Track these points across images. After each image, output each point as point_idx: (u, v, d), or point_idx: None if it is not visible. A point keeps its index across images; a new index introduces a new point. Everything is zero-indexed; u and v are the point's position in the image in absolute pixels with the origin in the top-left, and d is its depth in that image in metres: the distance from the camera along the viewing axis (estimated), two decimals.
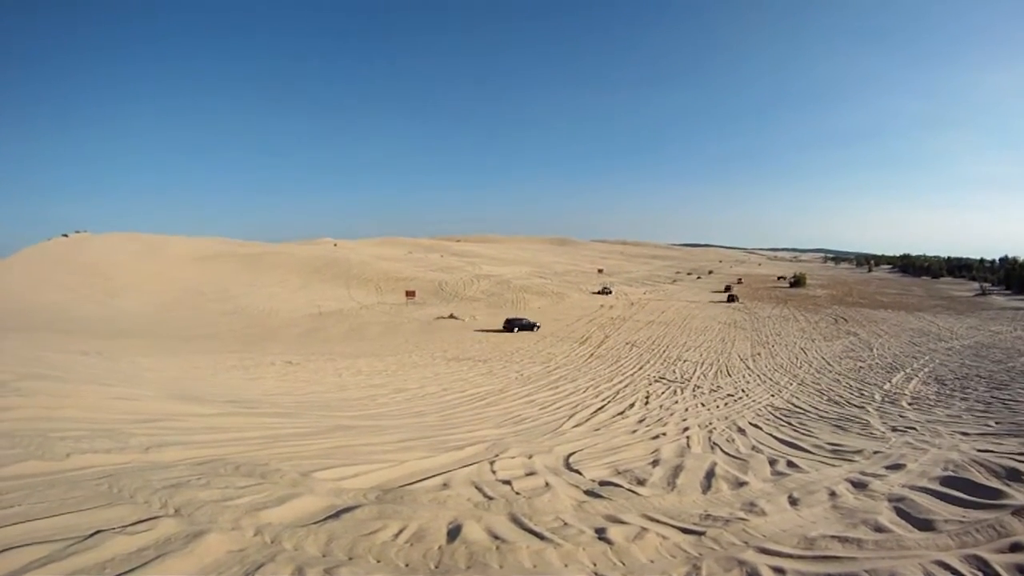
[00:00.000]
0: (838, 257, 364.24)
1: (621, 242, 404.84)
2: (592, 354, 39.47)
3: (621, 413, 19.23)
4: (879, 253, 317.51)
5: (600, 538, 5.95)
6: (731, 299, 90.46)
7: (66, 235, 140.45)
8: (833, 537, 6.21)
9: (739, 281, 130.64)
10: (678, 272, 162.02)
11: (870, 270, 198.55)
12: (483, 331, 54.02)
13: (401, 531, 5.61)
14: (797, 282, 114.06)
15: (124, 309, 74.14)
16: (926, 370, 30.87)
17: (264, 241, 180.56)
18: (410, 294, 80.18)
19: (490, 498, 7.18)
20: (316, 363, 30.77)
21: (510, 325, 53.36)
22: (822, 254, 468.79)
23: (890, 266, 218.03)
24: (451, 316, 65.42)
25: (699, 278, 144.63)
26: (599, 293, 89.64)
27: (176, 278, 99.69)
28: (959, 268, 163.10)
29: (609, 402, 21.61)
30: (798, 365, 34.47)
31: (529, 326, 53.80)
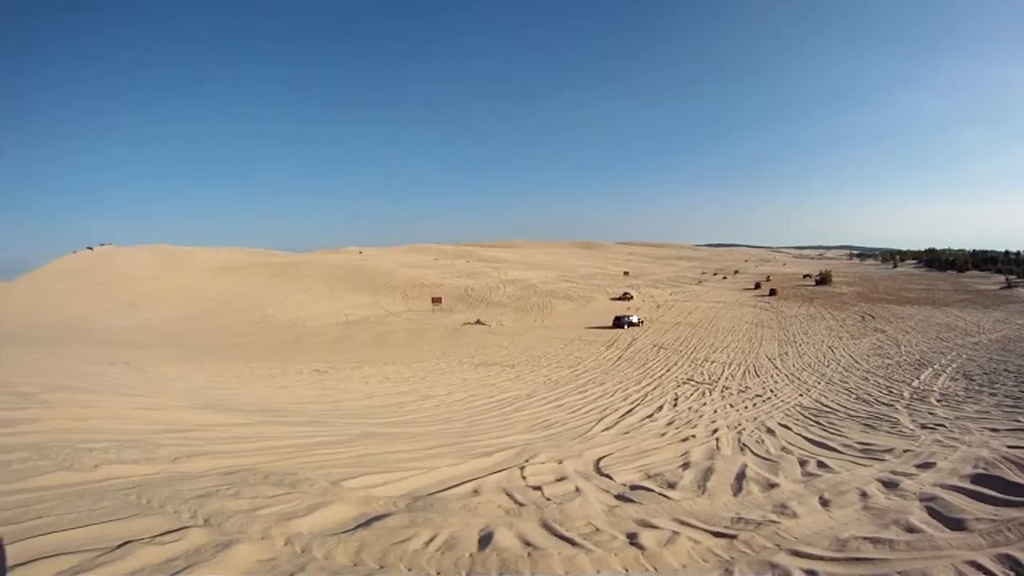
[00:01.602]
0: (863, 253, 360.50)
1: (646, 244, 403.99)
2: (619, 357, 39.31)
3: (650, 416, 19.06)
4: (904, 248, 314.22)
5: (632, 543, 5.85)
6: (772, 292, 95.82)
7: (91, 248, 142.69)
8: (865, 538, 6.12)
9: (768, 279, 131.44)
10: (704, 272, 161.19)
11: (895, 266, 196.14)
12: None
13: (432, 539, 5.54)
14: (823, 280, 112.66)
15: (150, 320, 75.14)
16: (954, 366, 30.38)
17: (290, 251, 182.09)
18: (436, 300, 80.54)
19: (521, 504, 7.11)
20: (343, 371, 30.91)
21: (619, 322, 58.25)
22: (847, 251, 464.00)
23: (916, 261, 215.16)
24: (478, 322, 65.52)
25: (725, 278, 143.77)
26: (619, 299, 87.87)
27: (202, 289, 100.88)
28: (985, 261, 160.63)
29: (638, 405, 21.45)
30: (826, 363, 34.06)
31: (636, 323, 58.85)
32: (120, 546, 4.56)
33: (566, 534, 5.99)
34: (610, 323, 59.16)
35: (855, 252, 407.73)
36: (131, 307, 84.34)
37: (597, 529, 6.27)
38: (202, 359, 36.65)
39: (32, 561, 4.14)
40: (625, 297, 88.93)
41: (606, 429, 16.36)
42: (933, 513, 7.00)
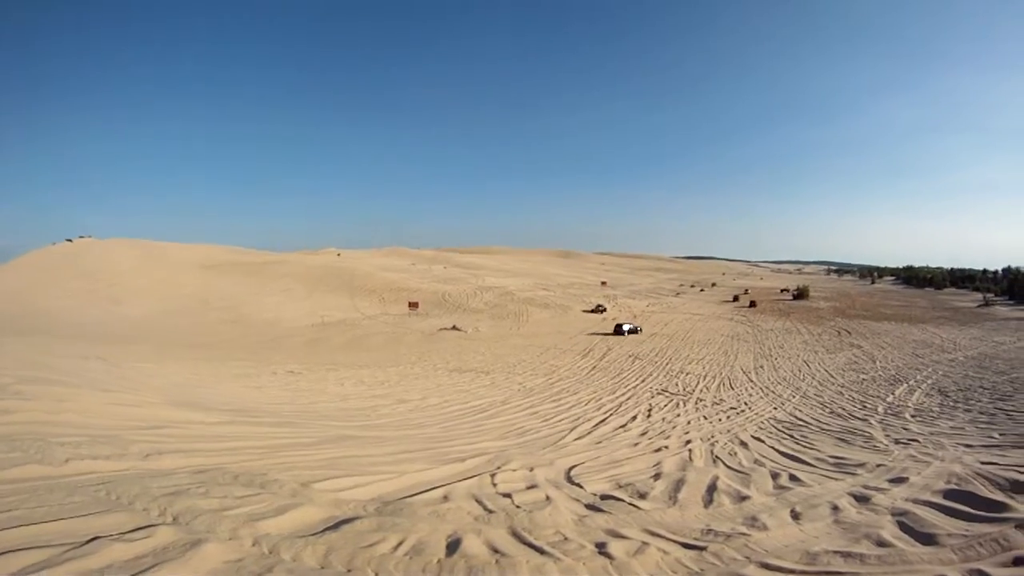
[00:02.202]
0: (841, 269, 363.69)
1: (625, 255, 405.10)
2: (595, 366, 39.41)
3: (623, 426, 19.14)
4: (882, 264, 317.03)
5: (601, 553, 5.91)
6: (752, 304, 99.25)
7: (70, 240, 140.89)
8: (836, 552, 6.17)
9: (746, 292, 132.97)
10: (681, 284, 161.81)
11: (873, 282, 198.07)
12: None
13: (400, 544, 5.58)
14: (800, 294, 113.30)
15: (127, 315, 74.32)
16: (929, 382, 30.64)
17: (269, 250, 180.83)
18: (413, 305, 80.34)
19: (490, 511, 7.15)
20: (318, 373, 30.77)
21: (619, 329, 60.64)
22: (825, 266, 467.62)
23: (893, 277, 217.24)
24: (454, 327, 65.44)
25: (702, 290, 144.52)
26: (593, 311, 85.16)
27: (180, 285, 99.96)
28: (962, 279, 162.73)
29: (611, 415, 21.53)
30: (801, 377, 34.30)
31: (634, 330, 61.40)
32: (88, 542, 4.57)
33: (534, 542, 6.04)
34: (589, 331, 59.62)
35: (833, 268, 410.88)
36: (110, 301, 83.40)
37: (566, 538, 6.32)
38: (179, 356, 36.35)
39: (2, 554, 4.17)
40: (598, 310, 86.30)
41: (579, 438, 16.41)
42: (905, 528, 7.08)
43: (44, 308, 73.64)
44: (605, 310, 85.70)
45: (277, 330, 64.91)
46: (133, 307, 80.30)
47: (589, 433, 17.43)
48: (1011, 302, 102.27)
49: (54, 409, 9.53)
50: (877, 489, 9.34)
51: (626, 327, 61.45)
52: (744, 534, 6.82)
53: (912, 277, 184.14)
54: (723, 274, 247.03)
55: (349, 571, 4.88)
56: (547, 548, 5.89)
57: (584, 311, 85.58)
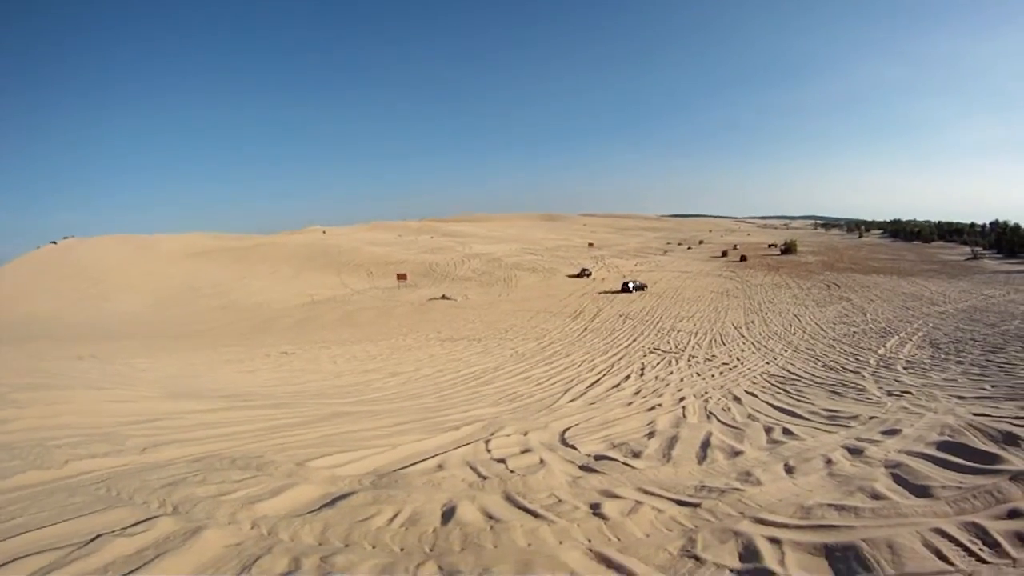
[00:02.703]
0: (828, 223, 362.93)
1: (611, 215, 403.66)
2: (586, 328, 39.69)
3: (616, 386, 19.35)
4: (869, 219, 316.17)
5: (595, 513, 5.98)
6: (743, 259, 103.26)
7: (55, 242, 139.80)
8: (830, 505, 6.19)
9: (735, 247, 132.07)
10: (668, 243, 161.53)
11: (861, 236, 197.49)
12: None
13: (396, 515, 5.68)
14: (788, 249, 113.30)
15: (117, 311, 73.93)
16: (920, 334, 30.86)
17: (252, 233, 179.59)
18: (401, 277, 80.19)
19: (484, 478, 7.25)
20: (311, 352, 30.85)
21: (626, 287, 64.34)
22: (812, 221, 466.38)
23: (881, 231, 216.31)
24: (443, 297, 65.51)
25: (690, 248, 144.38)
26: (577, 276, 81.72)
27: (167, 276, 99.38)
28: (950, 233, 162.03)
29: (604, 375, 21.78)
30: (792, 332, 34.66)
31: (640, 287, 65.24)
32: (91, 540, 4.66)
33: (529, 506, 6.14)
34: (579, 293, 60.25)
35: (820, 222, 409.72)
36: (99, 299, 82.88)
37: (560, 500, 6.41)
38: (171, 347, 36.29)
39: (6, 563, 4.24)
40: (583, 274, 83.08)
41: (572, 400, 16.59)
42: (899, 480, 7.09)
43: (34, 313, 73.17)
44: (590, 274, 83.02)
45: (267, 312, 64.74)
46: (122, 302, 79.86)
47: (582, 395, 17.63)
48: (999, 255, 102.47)
49: (50, 413, 9.57)
50: (871, 441, 9.37)
51: (631, 284, 64.55)
52: (738, 489, 6.83)
53: (900, 231, 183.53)
54: (710, 231, 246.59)
55: (347, 545, 4.97)
56: (541, 511, 5.98)
57: (569, 276, 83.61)
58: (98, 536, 4.75)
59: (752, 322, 39.74)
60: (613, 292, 62.73)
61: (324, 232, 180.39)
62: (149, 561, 4.41)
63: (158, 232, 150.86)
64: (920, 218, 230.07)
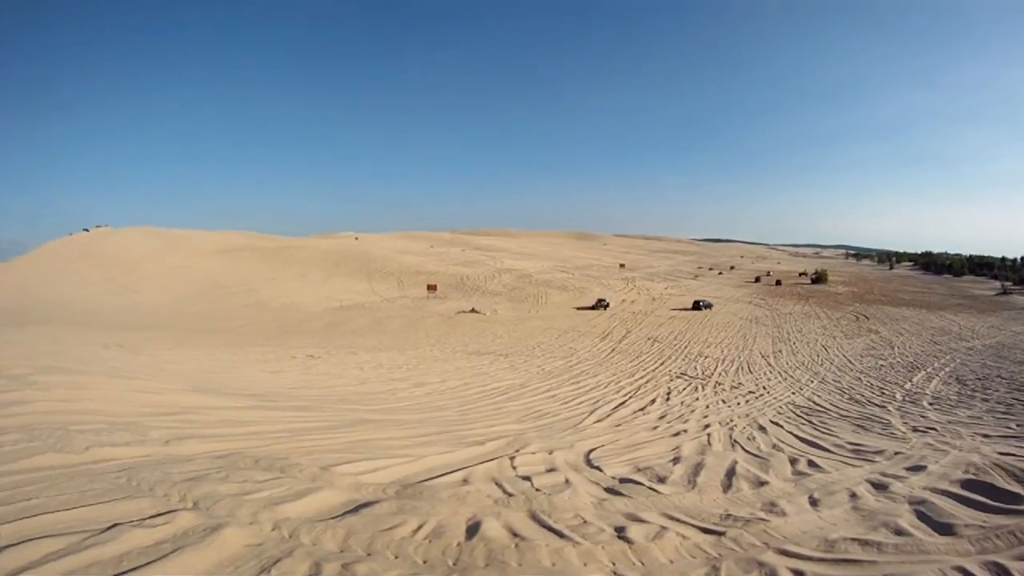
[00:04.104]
0: (860, 253, 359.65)
1: (643, 236, 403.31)
2: (614, 349, 39.41)
3: (642, 409, 19.11)
4: (901, 250, 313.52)
5: (620, 537, 5.87)
6: (778, 283, 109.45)
7: (87, 230, 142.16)
8: (853, 540, 6.13)
9: (768, 274, 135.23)
10: (700, 267, 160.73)
11: (891, 267, 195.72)
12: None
13: (420, 527, 5.56)
14: (819, 278, 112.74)
15: (145, 302, 74.89)
16: (947, 370, 30.50)
17: (285, 235, 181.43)
18: (432, 288, 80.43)
19: (510, 494, 7.12)
20: (337, 356, 30.87)
21: (697, 305, 68.29)
22: (844, 250, 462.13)
23: (912, 263, 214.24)
24: (473, 310, 65.49)
25: (720, 273, 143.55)
26: (592, 308, 68.84)
27: (197, 271, 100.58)
28: (980, 266, 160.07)
29: (630, 398, 21.52)
30: (819, 363, 34.22)
31: (709, 304, 68.97)
32: (108, 528, 4.58)
33: (554, 526, 6.00)
34: (608, 313, 60.94)
35: (851, 252, 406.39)
36: (127, 289, 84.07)
37: (585, 521, 6.28)
38: (197, 342, 36.57)
39: (21, 543, 4.16)
40: (599, 305, 69.20)
41: (598, 421, 16.38)
42: (922, 517, 7.01)
43: (62, 298, 74.31)
44: (608, 305, 69.61)
45: (295, 315, 65.20)
46: (151, 294, 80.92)
47: (608, 416, 17.41)
48: None
49: (72, 397, 9.55)
50: (895, 477, 9.29)
51: (701, 303, 68.68)
52: (763, 519, 6.77)
53: (930, 263, 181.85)
54: (741, 257, 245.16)
55: (369, 554, 4.85)
56: (566, 532, 5.85)
57: (579, 308, 70.73)
58: (116, 525, 4.68)
59: (780, 351, 39.27)
60: (644, 313, 62.38)
61: (357, 238, 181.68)
62: (166, 555, 4.33)
63: (191, 227, 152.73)
64: (951, 250, 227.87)
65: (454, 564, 4.85)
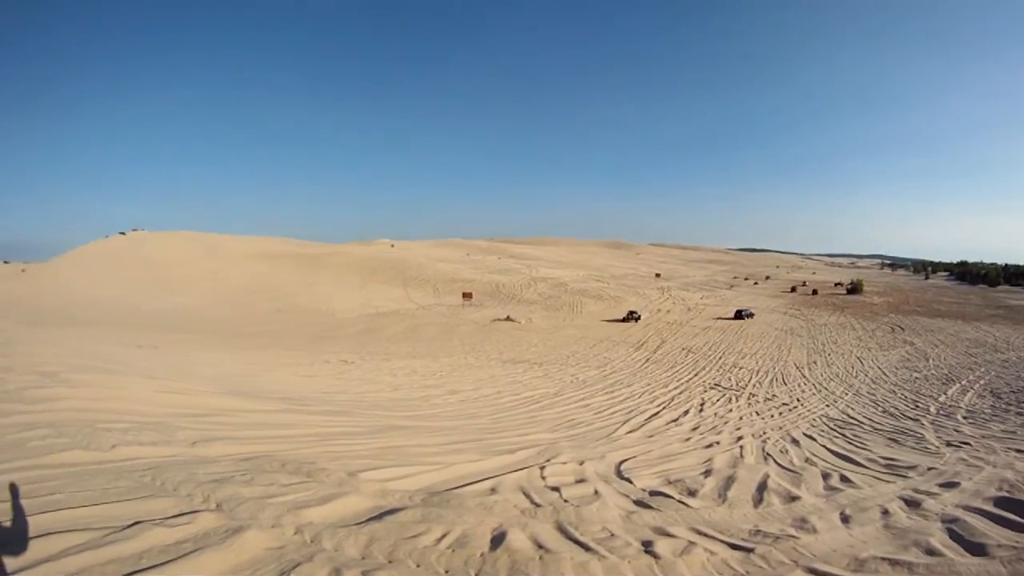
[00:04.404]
0: (895, 263, 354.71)
1: (678, 246, 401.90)
2: (648, 359, 39.17)
3: (675, 420, 18.89)
4: (936, 259, 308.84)
5: (647, 551, 5.70)
6: (815, 292, 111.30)
7: (123, 233, 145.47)
8: (884, 559, 5.94)
9: (804, 284, 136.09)
10: (735, 277, 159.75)
11: (927, 277, 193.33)
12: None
13: (444, 536, 5.46)
14: (854, 289, 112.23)
15: (180, 305, 76.23)
16: (982, 382, 29.94)
17: (321, 242, 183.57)
18: (467, 296, 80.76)
19: (537, 505, 6.98)
20: (371, 362, 31.05)
21: (739, 314, 69.42)
22: (879, 260, 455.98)
23: (947, 273, 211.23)
24: (508, 318, 65.54)
25: (756, 284, 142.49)
26: (624, 320, 67.18)
27: (234, 276, 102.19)
28: (1016, 276, 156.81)
29: (664, 408, 21.31)
30: (854, 375, 33.69)
31: (751, 314, 69.86)
32: (130, 526, 4.56)
33: (580, 538, 5.86)
34: (643, 323, 61.34)
35: (887, 262, 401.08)
36: (163, 292, 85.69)
37: (612, 535, 6.12)
38: (231, 345, 37.07)
39: (42, 536, 4.17)
40: (631, 317, 67.31)
41: (631, 431, 16.21)
42: (954, 536, 6.80)
43: (98, 299, 75.96)
44: (639, 318, 67.81)
45: (330, 320, 65.80)
46: (187, 297, 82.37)
47: (641, 427, 17.24)
48: None
49: (102, 396, 9.67)
50: (928, 493, 9.06)
51: (744, 312, 69.57)
52: (793, 536, 6.58)
53: (966, 273, 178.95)
54: (776, 267, 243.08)
55: (390, 562, 4.77)
56: (593, 545, 5.70)
57: (605, 320, 68.77)
58: (138, 522, 4.66)
59: (815, 363, 38.73)
60: (679, 323, 61.96)
61: (393, 246, 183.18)
62: (187, 554, 4.29)
63: (227, 232, 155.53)
64: (987, 259, 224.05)
65: (476, 575, 4.75)
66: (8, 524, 4.37)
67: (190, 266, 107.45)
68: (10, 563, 3.76)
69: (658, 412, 20.32)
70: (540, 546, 5.51)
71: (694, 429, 17.23)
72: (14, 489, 5.05)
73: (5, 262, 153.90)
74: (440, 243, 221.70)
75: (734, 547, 6.12)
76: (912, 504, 8.35)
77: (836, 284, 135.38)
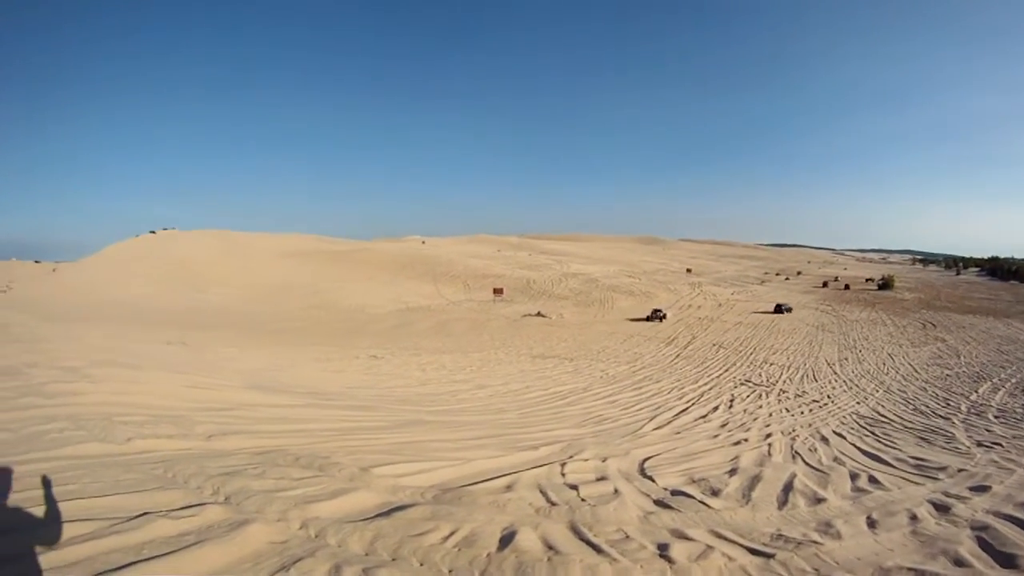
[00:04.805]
0: (926, 259, 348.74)
1: (709, 241, 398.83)
2: (678, 355, 38.87)
3: (704, 416, 18.69)
4: (967, 255, 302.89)
5: (661, 555, 5.52)
6: (847, 287, 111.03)
7: (154, 232, 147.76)
8: (909, 569, 5.72)
9: (835, 279, 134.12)
10: (766, 272, 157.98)
11: (958, 273, 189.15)
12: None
13: (452, 534, 5.36)
14: (885, 284, 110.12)
15: (210, 302, 77.23)
16: (1013, 380, 29.52)
17: (352, 239, 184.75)
18: (498, 291, 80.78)
19: (553, 504, 6.85)
20: (400, 357, 31.19)
21: (779, 308, 71.06)
22: (910, 255, 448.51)
23: (978, 269, 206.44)
24: (538, 314, 65.44)
25: (787, 279, 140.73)
26: (647, 319, 64.17)
27: (263, 273, 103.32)
28: None
29: (692, 404, 21.12)
30: (885, 371, 33.21)
31: (789, 308, 71.55)
32: (136, 517, 4.56)
33: (593, 540, 5.70)
34: (674, 319, 61.69)
35: (918, 257, 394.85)
36: (193, 289, 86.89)
37: (627, 536, 5.96)
38: (261, 341, 37.45)
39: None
40: (655, 316, 64.19)
41: (658, 428, 16.06)
42: (984, 545, 6.57)
43: (130, 297, 77.26)
44: (664, 317, 64.64)
45: (360, 316, 66.23)
46: (216, 295, 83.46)
47: (668, 423, 17.10)
48: None
49: (123, 390, 9.79)
50: (958, 497, 8.86)
51: (783, 307, 71.16)
52: (816, 542, 6.35)
53: (997, 268, 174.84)
54: (808, 262, 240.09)
55: (394, 559, 4.69)
56: (605, 547, 5.54)
57: (629, 319, 66.04)
58: (144, 514, 4.66)
59: (846, 359, 38.23)
60: (710, 319, 61.48)
61: (424, 242, 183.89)
62: (189, 546, 4.27)
63: (257, 230, 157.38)
64: (1018, 255, 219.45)
65: (480, 575, 4.66)
66: (40, 514, 4.43)
67: (221, 264, 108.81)
68: (15, 550, 3.78)
69: (687, 408, 20.15)
70: (550, 547, 5.38)
71: (722, 426, 17.05)
72: (46, 481, 5.12)
73: (36, 262, 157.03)
74: (471, 239, 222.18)
75: (754, 552, 5.92)
76: (941, 509, 8.14)
77: (867, 280, 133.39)
